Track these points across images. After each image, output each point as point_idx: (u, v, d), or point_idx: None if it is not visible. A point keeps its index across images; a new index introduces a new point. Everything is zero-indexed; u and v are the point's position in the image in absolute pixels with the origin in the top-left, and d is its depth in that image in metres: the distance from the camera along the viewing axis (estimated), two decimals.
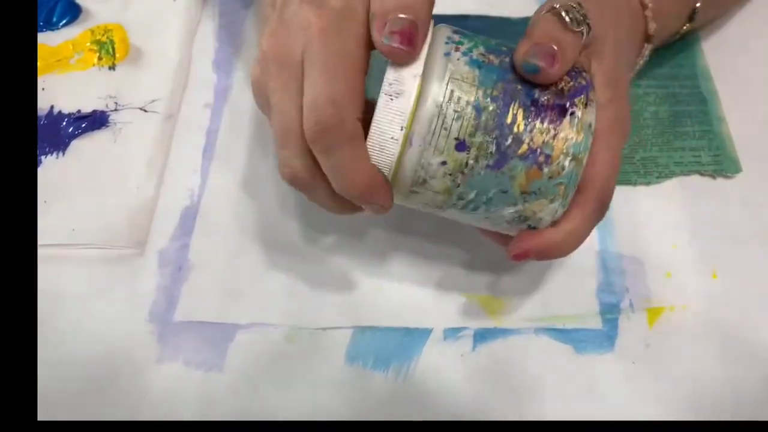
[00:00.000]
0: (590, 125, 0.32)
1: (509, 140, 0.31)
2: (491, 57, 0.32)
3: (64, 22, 0.53)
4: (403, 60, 0.32)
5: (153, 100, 0.50)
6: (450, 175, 0.32)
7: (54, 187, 0.46)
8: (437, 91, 0.31)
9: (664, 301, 0.42)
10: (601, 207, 0.35)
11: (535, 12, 0.35)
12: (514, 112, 0.31)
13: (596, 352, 0.40)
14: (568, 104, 0.32)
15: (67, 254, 0.43)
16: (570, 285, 0.43)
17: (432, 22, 0.33)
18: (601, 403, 0.39)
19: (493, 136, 0.31)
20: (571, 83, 0.33)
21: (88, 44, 0.52)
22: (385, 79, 0.31)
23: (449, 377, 0.40)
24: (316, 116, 0.31)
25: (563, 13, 0.33)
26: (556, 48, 0.32)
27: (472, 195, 0.33)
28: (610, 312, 0.42)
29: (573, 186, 0.33)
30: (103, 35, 0.52)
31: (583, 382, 0.40)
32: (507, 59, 0.33)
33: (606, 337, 0.41)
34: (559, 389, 0.39)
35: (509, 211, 0.33)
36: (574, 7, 0.34)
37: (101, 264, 0.43)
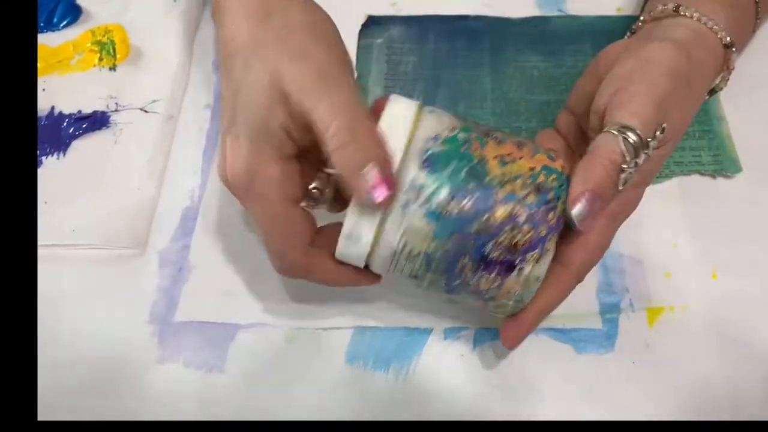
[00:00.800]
0: (537, 278, 0.34)
1: (457, 282, 0.34)
2: (451, 206, 0.33)
3: (64, 23, 0.53)
4: (385, 204, 0.33)
5: (153, 101, 0.50)
6: (413, 284, 0.36)
7: (54, 188, 0.46)
8: (392, 240, 0.34)
9: (664, 301, 0.42)
10: (574, 286, 0.37)
11: (609, 108, 0.36)
12: (463, 264, 0.34)
13: (596, 352, 0.41)
14: (517, 260, 0.33)
15: (68, 255, 0.44)
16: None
17: (426, 111, 0.35)
18: (601, 403, 0.39)
19: (444, 278, 0.34)
20: (529, 234, 0.33)
21: (89, 45, 0.52)
22: (344, 226, 0.34)
23: (449, 377, 0.40)
24: (276, 265, 0.37)
25: (623, 167, 0.34)
26: (600, 205, 0.34)
27: (435, 295, 0.37)
28: (610, 312, 0.42)
29: (521, 309, 0.36)
30: (104, 36, 0.53)
31: (583, 382, 0.40)
32: (468, 204, 0.33)
33: (606, 336, 0.41)
34: (559, 389, 0.39)
35: (474, 304, 0.36)
36: (643, 147, 0.34)
37: (102, 264, 0.43)
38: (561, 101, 0.46)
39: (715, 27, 0.40)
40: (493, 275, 0.33)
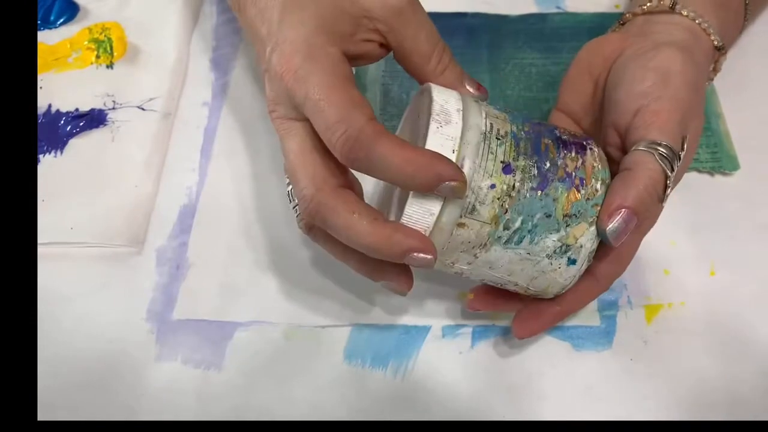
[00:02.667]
0: (604, 158, 0.36)
1: (548, 164, 0.34)
2: (513, 110, 0.36)
3: (62, 20, 0.53)
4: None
5: (151, 99, 0.50)
6: (498, 199, 0.33)
7: (52, 186, 0.46)
8: (479, 122, 0.34)
9: (662, 298, 0.42)
10: (601, 291, 0.38)
11: (633, 125, 0.36)
12: (546, 143, 0.35)
13: (594, 349, 0.41)
14: (584, 142, 0.36)
15: (65, 253, 0.44)
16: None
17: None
18: (600, 400, 0.39)
19: (534, 160, 0.34)
20: (576, 135, 0.37)
21: (86, 43, 0.52)
22: (432, 109, 0.33)
23: (448, 375, 0.40)
24: (338, 134, 0.32)
25: (668, 183, 0.35)
26: (636, 219, 0.34)
27: (518, 222, 0.34)
28: (608, 309, 0.42)
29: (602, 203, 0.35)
30: (101, 33, 0.52)
31: (581, 379, 0.40)
32: (525, 112, 0.36)
33: (604, 333, 0.41)
34: (557, 386, 0.39)
35: (552, 239, 0.34)
36: (677, 159, 0.35)
37: (99, 262, 0.43)
38: (552, 98, 0.46)
39: (709, 29, 0.40)
40: (573, 153, 0.35)
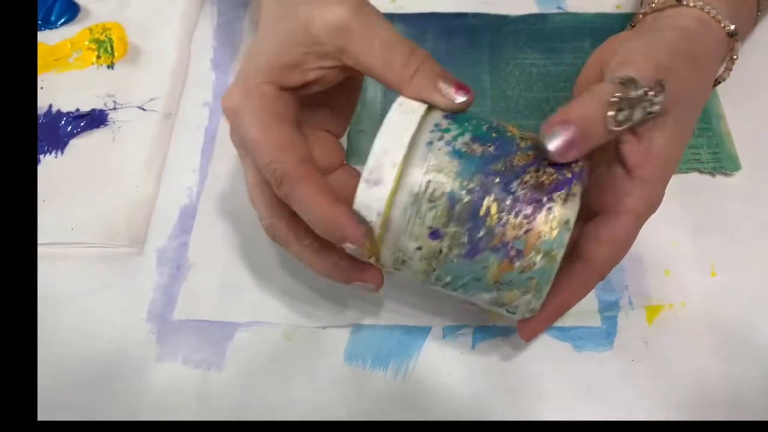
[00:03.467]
0: (567, 221, 0.32)
1: (481, 233, 0.32)
2: (475, 147, 0.33)
3: (62, 20, 0.53)
4: (470, 102, 0.34)
5: (152, 99, 0.50)
6: (426, 259, 0.33)
7: (53, 186, 0.46)
8: (414, 182, 0.32)
9: (663, 298, 0.42)
10: (597, 281, 0.37)
11: (609, 69, 0.35)
12: (488, 205, 0.32)
13: (595, 350, 0.40)
14: (545, 199, 0.32)
15: (66, 253, 0.44)
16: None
17: (425, 106, 0.34)
18: (600, 401, 0.39)
19: (466, 227, 0.32)
20: (555, 176, 0.32)
21: (87, 43, 0.52)
22: (365, 167, 0.33)
23: (448, 376, 0.40)
24: (269, 174, 0.34)
25: (616, 111, 0.33)
26: (580, 137, 0.32)
27: (448, 279, 0.34)
28: (609, 309, 0.42)
29: (547, 281, 0.33)
30: (102, 34, 0.52)
31: (582, 380, 0.40)
32: (492, 148, 0.33)
33: (605, 334, 0.41)
34: (558, 387, 0.39)
35: (485, 296, 0.34)
36: (641, 98, 0.33)
37: (100, 263, 0.43)
38: (560, 98, 0.46)
39: (718, 15, 0.40)
40: (519, 218, 0.32)
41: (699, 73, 0.38)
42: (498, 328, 0.41)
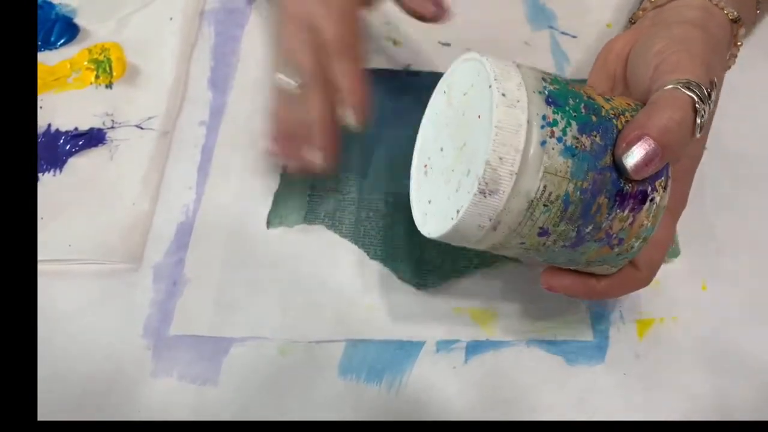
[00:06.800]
0: (664, 208, 0.33)
1: (590, 228, 0.32)
2: (583, 139, 0.31)
3: (62, 41, 0.54)
4: None
5: (149, 118, 0.50)
6: (526, 249, 0.33)
7: (51, 204, 0.46)
8: (530, 188, 0.31)
9: (654, 312, 0.42)
10: (643, 285, 0.37)
11: (657, 75, 0.34)
12: (600, 203, 0.32)
13: (587, 364, 0.41)
14: (649, 189, 0.32)
15: (64, 269, 0.44)
16: (561, 296, 0.42)
17: (524, 90, 0.31)
18: (592, 414, 0.39)
19: (576, 225, 0.32)
20: None
21: (86, 63, 0.53)
22: (480, 177, 0.30)
23: (442, 389, 0.40)
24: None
25: (697, 107, 0.32)
26: (660, 152, 0.31)
27: (541, 259, 0.34)
28: (601, 323, 0.42)
29: (633, 257, 0.34)
30: (101, 54, 0.53)
31: (574, 393, 0.40)
32: (597, 137, 0.32)
33: (597, 348, 0.41)
34: (550, 400, 0.40)
35: (570, 266, 0.35)
36: (706, 100, 0.32)
37: (97, 279, 0.44)
38: None
39: (721, 3, 0.39)
40: (626, 211, 0.32)
41: (721, 64, 0.38)
42: (491, 342, 0.41)
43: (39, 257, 0.43)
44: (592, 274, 0.36)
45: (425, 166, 0.37)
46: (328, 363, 0.41)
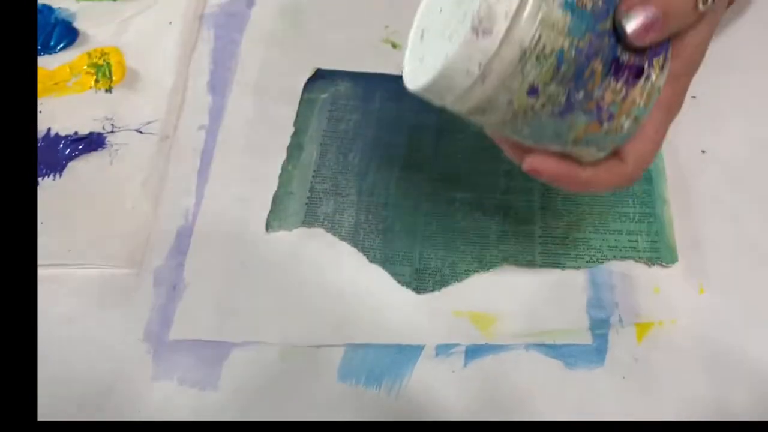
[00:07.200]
0: (659, 89, 0.32)
1: (581, 94, 0.31)
2: (586, 0, 0.30)
3: (61, 45, 0.54)
4: None
5: (149, 122, 0.50)
6: (512, 113, 0.31)
7: (51, 208, 0.46)
8: (524, 36, 0.29)
9: (652, 316, 0.42)
10: (629, 181, 0.35)
11: None
12: (594, 67, 0.30)
13: (586, 367, 0.41)
14: (646, 65, 0.31)
15: (64, 274, 0.44)
16: (560, 300, 0.43)
17: None
18: (592, 418, 0.39)
19: (567, 87, 0.30)
20: None
21: (85, 67, 0.53)
22: (473, 13, 0.29)
23: (441, 393, 0.40)
24: None
25: None
26: (662, 18, 0.30)
27: (526, 131, 0.32)
28: (599, 327, 0.42)
29: (621, 142, 0.33)
30: (100, 58, 0.53)
31: (573, 397, 0.40)
32: (600, 1, 0.30)
33: (596, 352, 0.41)
34: (549, 404, 0.40)
35: (555, 147, 0.33)
36: None
37: (97, 283, 0.44)
38: (501, 172, 0.47)
39: None
40: (620, 83, 0.31)
41: None
42: (490, 346, 0.42)
43: (39, 262, 0.43)
44: (577, 162, 0.34)
45: (422, 31, 0.35)
46: (327, 367, 0.41)
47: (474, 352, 0.42)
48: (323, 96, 0.52)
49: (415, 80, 0.32)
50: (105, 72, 0.53)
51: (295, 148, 0.49)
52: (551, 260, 0.44)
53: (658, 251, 0.44)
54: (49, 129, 0.50)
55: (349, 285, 0.44)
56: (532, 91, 0.30)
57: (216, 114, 0.51)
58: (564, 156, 0.34)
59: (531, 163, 0.34)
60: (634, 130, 0.33)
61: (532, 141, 0.33)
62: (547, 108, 0.31)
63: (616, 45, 0.31)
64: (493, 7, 0.29)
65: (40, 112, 0.51)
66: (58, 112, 0.51)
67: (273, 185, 0.48)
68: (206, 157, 0.49)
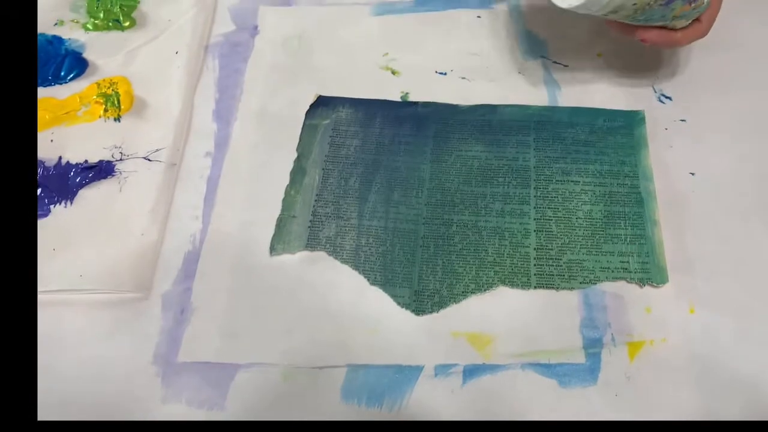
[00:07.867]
0: None
1: None
2: None
3: (71, 75, 0.56)
4: None
5: (157, 150, 0.52)
6: (635, 10, 0.46)
7: (62, 235, 0.48)
8: None
9: (644, 335, 0.44)
10: (705, 34, 0.50)
11: None
12: None
13: (580, 386, 0.42)
14: None
15: (75, 299, 0.46)
16: (554, 320, 0.44)
17: None
18: None
19: None
20: None
21: (95, 97, 0.55)
22: None
23: (440, 412, 0.42)
24: None
25: None
26: None
27: (641, 18, 0.47)
28: (593, 346, 0.43)
29: (703, 10, 0.49)
30: (109, 88, 0.55)
31: (568, 415, 0.41)
32: None
33: (589, 370, 0.43)
34: (545, 422, 0.41)
35: (658, 24, 0.48)
36: None
37: (107, 308, 0.45)
38: (495, 194, 0.49)
39: None
40: None
41: None
42: (487, 366, 0.43)
43: (51, 288, 0.45)
44: (671, 30, 0.49)
45: None
46: (330, 387, 0.42)
47: (472, 371, 0.43)
48: (325, 122, 0.54)
49: (569, 1, 0.46)
50: (114, 101, 0.54)
51: (298, 172, 0.51)
52: (546, 281, 0.46)
53: (649, 272, 0.46)
54: (60, 158, 0.51)
55: (350, 307, 0.45)
56: None
57: (221, 141, 0.53)
58: (661, 27, 0.49)
59: (642, 34, 0.49)
60: (708, 4, 0.48)
61: (643, 22, 0.48)
62: (658, 2, 0.45)
63: None
64: None
65: (52, 141, 0.52)
66: (69, 141, 0.52)
67: (276, 209, 0.49)
68: (212, 183, 0.51)
